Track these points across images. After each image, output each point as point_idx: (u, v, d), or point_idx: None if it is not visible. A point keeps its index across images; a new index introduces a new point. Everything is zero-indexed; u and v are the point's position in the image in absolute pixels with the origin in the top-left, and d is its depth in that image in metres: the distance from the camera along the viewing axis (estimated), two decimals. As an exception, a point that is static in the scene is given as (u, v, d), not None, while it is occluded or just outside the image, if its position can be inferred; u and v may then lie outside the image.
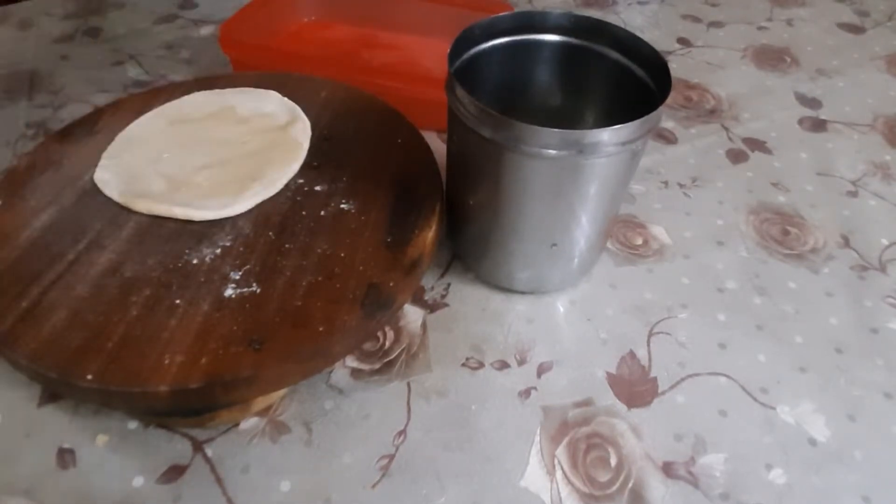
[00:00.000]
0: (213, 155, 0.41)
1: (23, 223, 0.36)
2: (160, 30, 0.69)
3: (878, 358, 0.40)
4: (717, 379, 0.38)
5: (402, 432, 0.34)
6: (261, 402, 0.34)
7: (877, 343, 0.41)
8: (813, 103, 0.63)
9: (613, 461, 0.34)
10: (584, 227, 0.37)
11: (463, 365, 0.38)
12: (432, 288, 0.42)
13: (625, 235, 0.47)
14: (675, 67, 0.67)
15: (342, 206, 0.38)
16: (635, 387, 0.37)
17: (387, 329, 0.39)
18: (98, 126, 0.44)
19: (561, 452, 0.34)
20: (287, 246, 0.36)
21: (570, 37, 0.40)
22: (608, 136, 0.31)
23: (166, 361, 0.29)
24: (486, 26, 0.38)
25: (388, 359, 0.38)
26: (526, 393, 0.37)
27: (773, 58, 0.70)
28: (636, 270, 0.44)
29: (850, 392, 0.38)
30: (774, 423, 0.36)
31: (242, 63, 0.56)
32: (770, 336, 0.41)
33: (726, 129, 0.59)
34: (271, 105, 0.46)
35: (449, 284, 0.42)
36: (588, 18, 0.39)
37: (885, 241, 0.48)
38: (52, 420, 0.34)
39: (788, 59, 0.70)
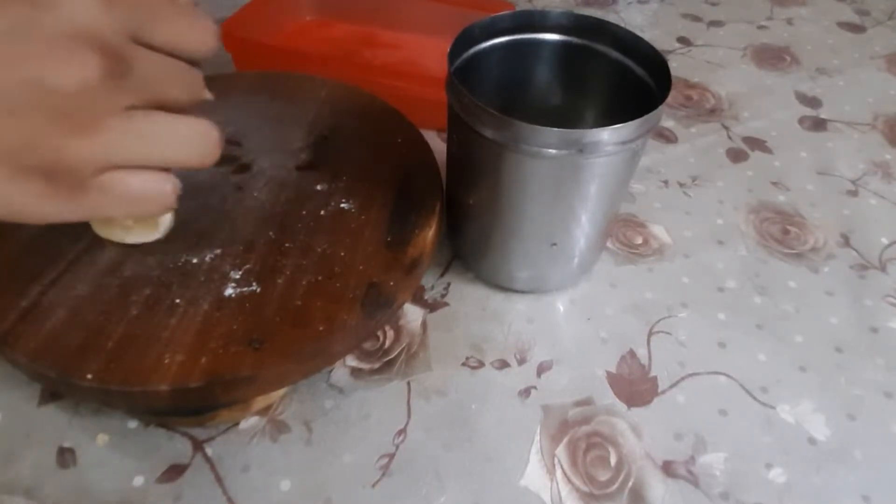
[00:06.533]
0: None
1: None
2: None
3: (879, 357, 0.40)
4: (716, 378, 0.38)
5: (403, 431, 0.34)
6: (261, 402, 0.34)
7: (877, 342, 0.41)
8: (813, 102, 0.63)
9: (613, 460, 0.34)
10: (584, 227, 0.37)
11: (463, 364, 0.38)
12: (432, 287, 0.42)
13: (625, 235, 0.47)
14: (675, 66, 0.67)
15: (342, 205, 0.38)
16: (635, 386, 0.37)
17: (387, 328, 0.39)
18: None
19: (561, 451, 0.34)
20: (287, 245, 0.36)
21: (571, 36, 0.40)
22: (608, 136, 0.31)
23: (166, 361, 0.29)
24: (486, 25, 0.38)
25: (388, 358, 0.38)
26: (526, 392, 0.37)
27: (773, 57, 0.70)
28: (636, 270, 0.44)
29: (850, 391, 0.38)
30: (774, 423, 0.36)
31: (244, 61, 0.56)
32: (770, 335, 0.41)
33: (726, 128, 0.59)
34: None
35: (449, 284, 0.42)
36: (588, 17, 0.39)
37: (885, 241, 0.48)
38: (52, 419, 0.34)
39: (788, 59, 0.70)
